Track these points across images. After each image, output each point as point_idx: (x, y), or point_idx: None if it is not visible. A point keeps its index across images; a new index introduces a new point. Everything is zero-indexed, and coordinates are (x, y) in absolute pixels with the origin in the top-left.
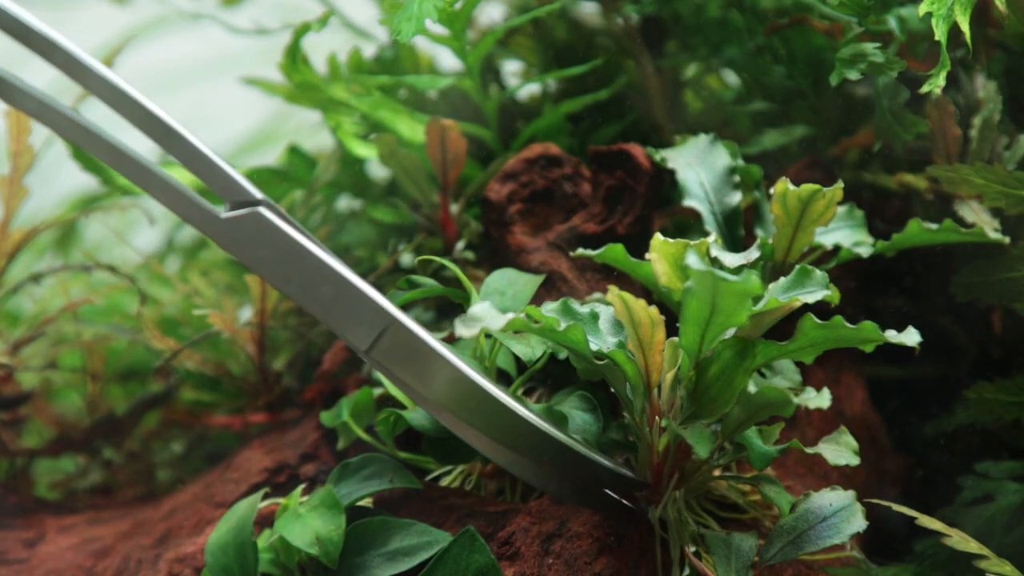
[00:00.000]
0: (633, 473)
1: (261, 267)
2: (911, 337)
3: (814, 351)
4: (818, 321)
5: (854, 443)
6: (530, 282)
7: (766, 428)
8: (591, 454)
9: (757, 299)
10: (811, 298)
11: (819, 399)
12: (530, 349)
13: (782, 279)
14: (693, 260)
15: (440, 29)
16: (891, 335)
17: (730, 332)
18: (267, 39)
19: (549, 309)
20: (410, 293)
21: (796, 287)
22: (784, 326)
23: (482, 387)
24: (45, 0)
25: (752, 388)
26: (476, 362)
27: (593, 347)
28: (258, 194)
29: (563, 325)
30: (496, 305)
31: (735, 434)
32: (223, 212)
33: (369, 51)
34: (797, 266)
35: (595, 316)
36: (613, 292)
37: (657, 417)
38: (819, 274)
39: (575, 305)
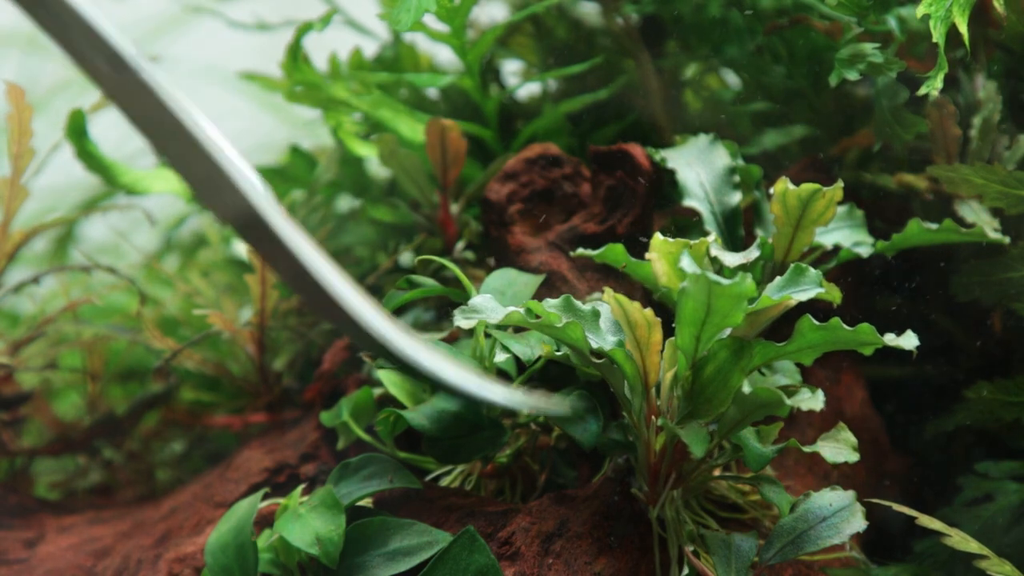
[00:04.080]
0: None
1: (141, 128)
2: (909, 341)
3: (813, 353)
4: (816, 323)
5: (853, 439)
6: (530, 282)
7: (764, 428)
8: (440, 377)
9: (753, 299)
10: (804, 296)
11: (812, 400)
12: (529, 349)
13: (777, 278)
14: (687, 263)
15: (440, 26)
16: (889, 338)
17: (726, 332)
18: (270, 39)
19: (551, 305)
20: (410, 293)
21: (790, 286)
22: (787, 327)
23: (327, 285)
24: None
25: (747, 388)
26: (476, 361)
27: (593, 345)
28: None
29: (563, 321)
30: None
31: (731, 434)
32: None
33: (371, 50)
34: (792, 265)
35: (596, 314)
36: (608, 294)
37: (654, 417)
38: (813, 272)
39: (577, 302)
